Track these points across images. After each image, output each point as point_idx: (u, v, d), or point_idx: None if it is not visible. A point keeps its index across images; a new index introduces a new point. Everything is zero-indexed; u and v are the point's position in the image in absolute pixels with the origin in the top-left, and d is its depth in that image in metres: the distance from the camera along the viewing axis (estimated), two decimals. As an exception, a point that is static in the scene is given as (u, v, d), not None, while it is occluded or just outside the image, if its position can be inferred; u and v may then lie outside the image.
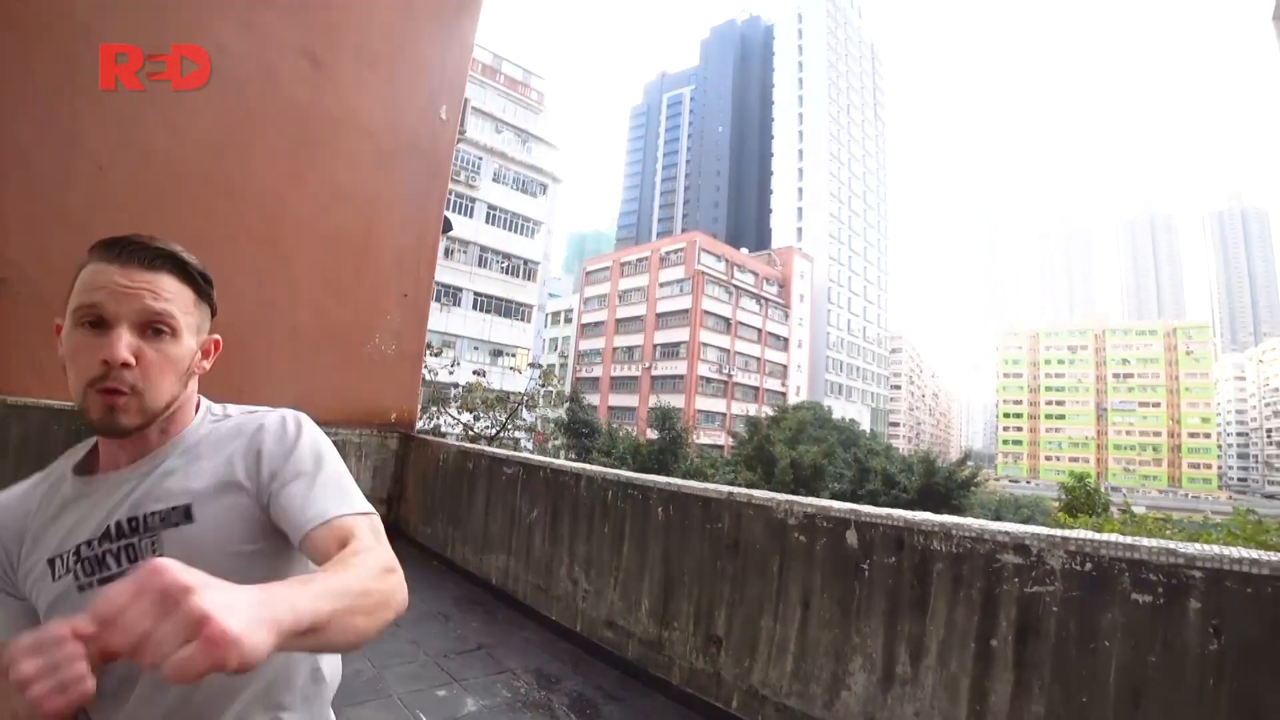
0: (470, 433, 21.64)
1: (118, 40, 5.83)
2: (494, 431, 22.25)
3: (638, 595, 3.57)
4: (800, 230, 79.01)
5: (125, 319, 0.78)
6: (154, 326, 0.81)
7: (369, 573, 0.69)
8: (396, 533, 6.67)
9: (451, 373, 24.19)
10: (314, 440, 0.94)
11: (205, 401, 0.98)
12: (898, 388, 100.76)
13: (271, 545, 0.87)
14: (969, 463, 27.25)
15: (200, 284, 0.90)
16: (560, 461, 4.67)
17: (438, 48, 8.03)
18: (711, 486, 3.28)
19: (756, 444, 27.83)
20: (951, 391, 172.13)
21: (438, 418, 21.90)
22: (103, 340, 0.77)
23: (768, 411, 42.85)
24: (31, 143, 5.57)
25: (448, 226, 8.37)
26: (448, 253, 37.55)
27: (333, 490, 0.86)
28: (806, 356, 69.81)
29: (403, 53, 7.76)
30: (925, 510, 2.62)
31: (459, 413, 22.28)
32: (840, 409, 64.18)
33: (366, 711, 2.86)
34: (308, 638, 0.58)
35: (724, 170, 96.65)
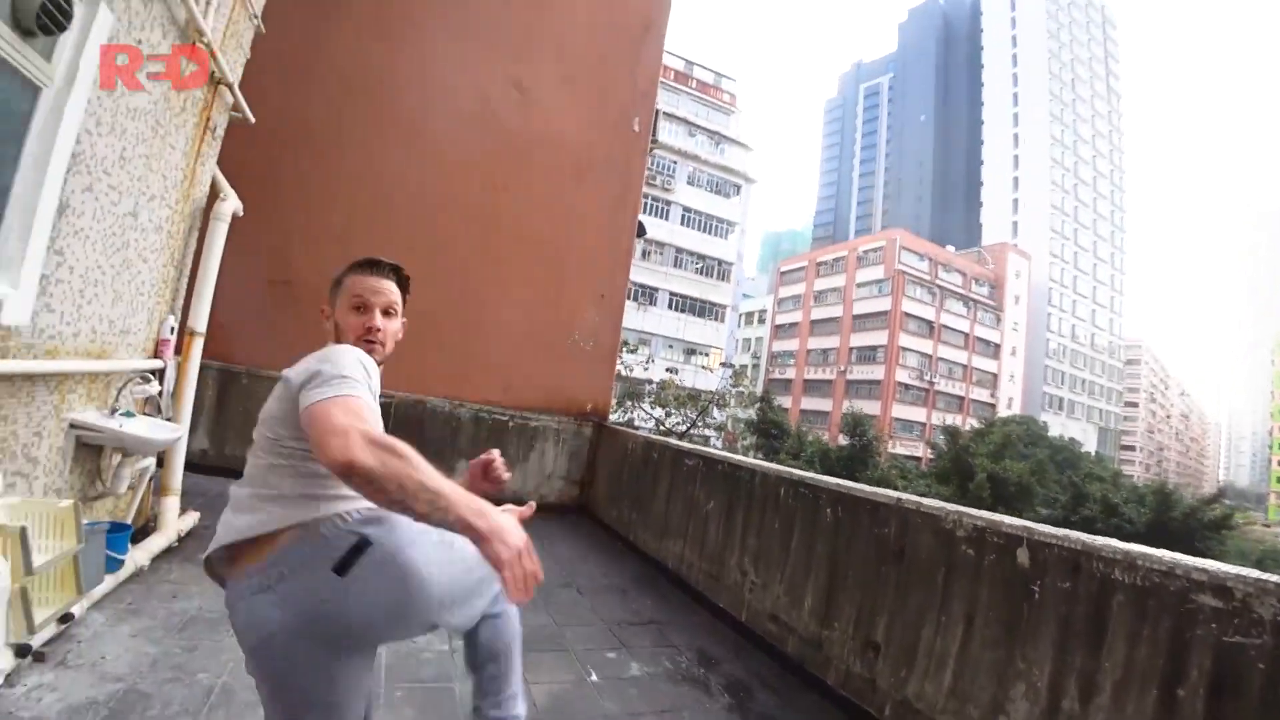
0: (662, 428, 22.47)
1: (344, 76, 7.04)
2: (684, 428, 22.91)
3: (802, 592, 3.66)
4: (1015, 225, 71.15)
5: (377, 306, 1.49)
6: (387, 311, 1.51)
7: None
8: (585, 513, 7.27)
9: (646, 369, 25.26)
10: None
11: None
12: (1134, 405, 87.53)
13: None
14: (1224, 500, 23.14)
15: (406, 285, 1.57)
16: (738, 457, 4.87)
17: (629, 64, 8.63)
18: (881, 491, 3.29)
19: (953, 455, 25.88)
20: (1207, 414, 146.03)
21: (631, 412, 23.01)
22: (365, 317, 1.47)
23: (974, 424, 39.47)
24: (310, 176, 6.94)
25: (641, 231, 8.89)
26: (645, 254, 39.04)
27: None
28: (1020, 366, 62.90)
29: (597, 72, 8.44)
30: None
31: (652, 408, 23.22)
32: (1059, 426, 57.35)
33: (546, 659, 3.28)
34: None
35: (927, 162, 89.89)
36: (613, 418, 8.73)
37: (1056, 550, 2.43)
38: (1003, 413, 53.35)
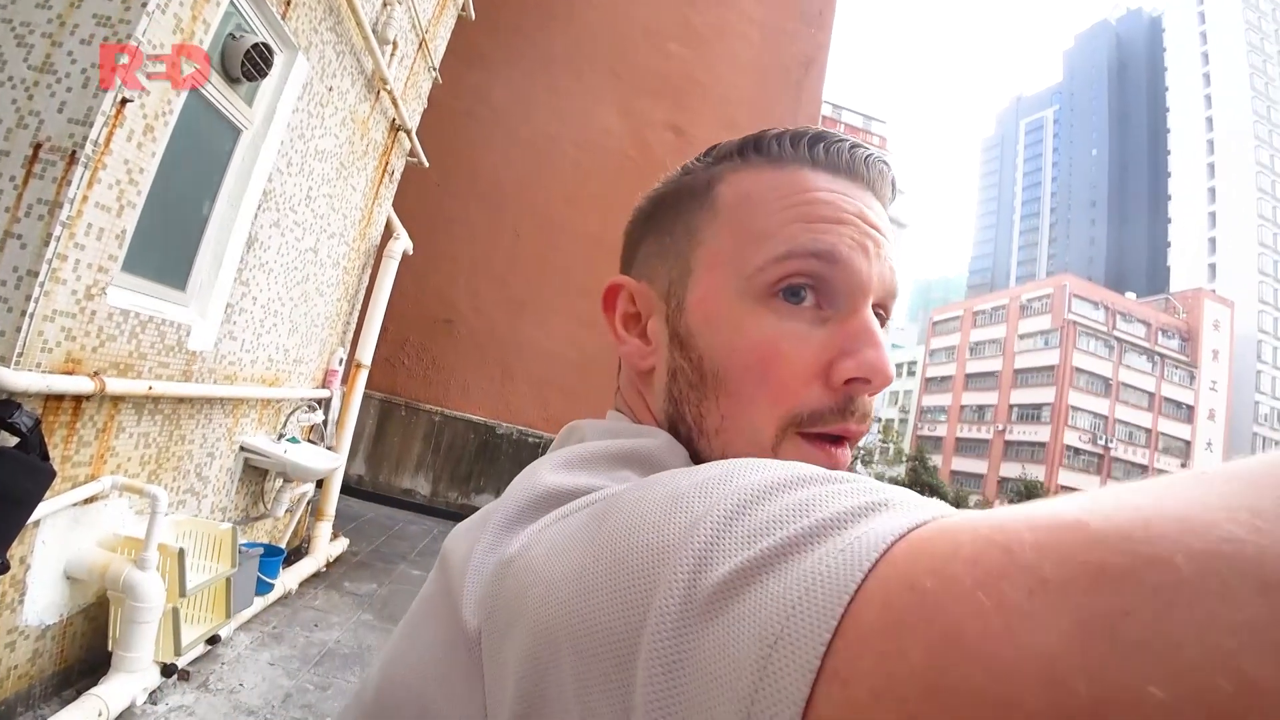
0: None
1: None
2: (823, 482, 21.88)
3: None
4: (1213, 267, 62.06)
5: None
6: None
7: None
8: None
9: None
10: None
11: None
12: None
13: None
14: None
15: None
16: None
17: (788, 105, 8.48)
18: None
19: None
20: None
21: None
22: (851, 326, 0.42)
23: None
24: (475, 219, 7.29)
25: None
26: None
27: None
28: (1221, 432, 54.43)
29: (757, 115, 8.32)
30: None
31: (788, 459, 22.46)
32: (1277, 506, 48.48)
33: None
34: None
35: (1101, 200, 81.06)
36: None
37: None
38: (1200, 487, 45.91)
